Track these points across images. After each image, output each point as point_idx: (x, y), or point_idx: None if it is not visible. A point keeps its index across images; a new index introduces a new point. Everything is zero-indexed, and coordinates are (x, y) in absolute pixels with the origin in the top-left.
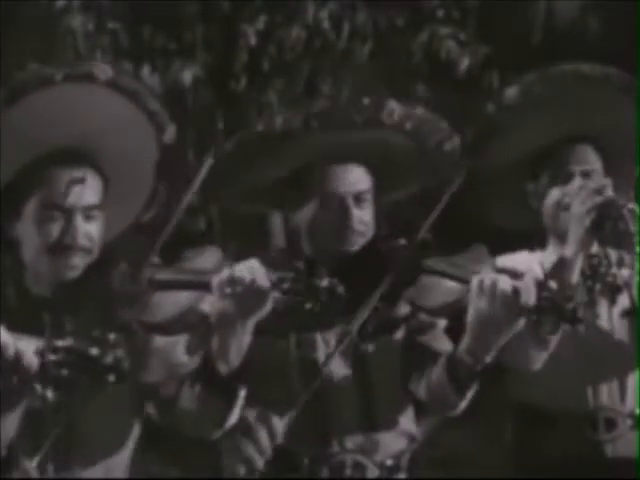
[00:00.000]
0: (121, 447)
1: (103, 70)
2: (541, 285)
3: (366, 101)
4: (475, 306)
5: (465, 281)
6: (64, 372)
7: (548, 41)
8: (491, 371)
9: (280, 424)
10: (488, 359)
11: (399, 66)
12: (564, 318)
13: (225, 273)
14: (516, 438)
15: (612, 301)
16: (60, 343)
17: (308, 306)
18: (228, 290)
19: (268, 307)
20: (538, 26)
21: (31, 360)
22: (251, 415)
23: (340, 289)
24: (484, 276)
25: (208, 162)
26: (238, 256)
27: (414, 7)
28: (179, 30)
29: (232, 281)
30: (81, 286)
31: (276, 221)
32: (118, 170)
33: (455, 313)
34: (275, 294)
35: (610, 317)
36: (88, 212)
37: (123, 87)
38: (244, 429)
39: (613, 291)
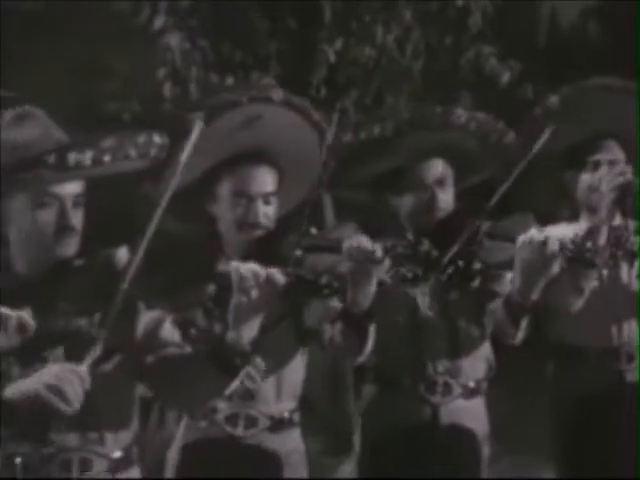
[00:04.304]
0: (293, 359)
1: (277, 93)
2: (566, 244)
3: (439, 109)
4: (520, 256)
5: (514, 240)
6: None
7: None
8: (535, 318)
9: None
10: (534, 297)
11: (448, 79)
12: (585, 264)
13: (352, 241)
14: (555, 371)
15: (631, 264)
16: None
17: (410, 269)
18: (353, 255)
19: (384, 268)
20: (542, 35)
21: (279, 279)
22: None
23: (434, 252)
24: (527, 233)
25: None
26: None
27: (460, 28)
28: (254, 46)
29: (355, 249)
30: (259, 250)
31: (327, 201)
32: (291, 165)
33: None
34: (387, 259)
35: (629, 276)
36: (267, 198)
37: (293, 104)
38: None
39: (631, 256)
